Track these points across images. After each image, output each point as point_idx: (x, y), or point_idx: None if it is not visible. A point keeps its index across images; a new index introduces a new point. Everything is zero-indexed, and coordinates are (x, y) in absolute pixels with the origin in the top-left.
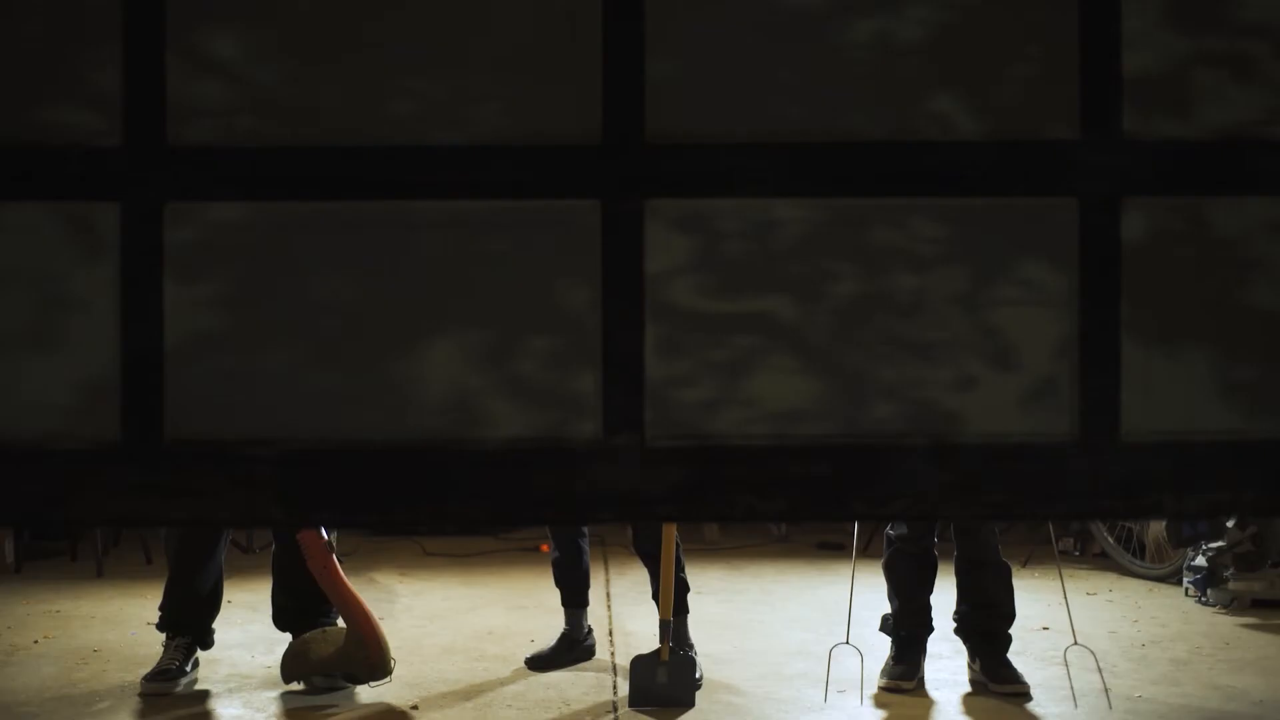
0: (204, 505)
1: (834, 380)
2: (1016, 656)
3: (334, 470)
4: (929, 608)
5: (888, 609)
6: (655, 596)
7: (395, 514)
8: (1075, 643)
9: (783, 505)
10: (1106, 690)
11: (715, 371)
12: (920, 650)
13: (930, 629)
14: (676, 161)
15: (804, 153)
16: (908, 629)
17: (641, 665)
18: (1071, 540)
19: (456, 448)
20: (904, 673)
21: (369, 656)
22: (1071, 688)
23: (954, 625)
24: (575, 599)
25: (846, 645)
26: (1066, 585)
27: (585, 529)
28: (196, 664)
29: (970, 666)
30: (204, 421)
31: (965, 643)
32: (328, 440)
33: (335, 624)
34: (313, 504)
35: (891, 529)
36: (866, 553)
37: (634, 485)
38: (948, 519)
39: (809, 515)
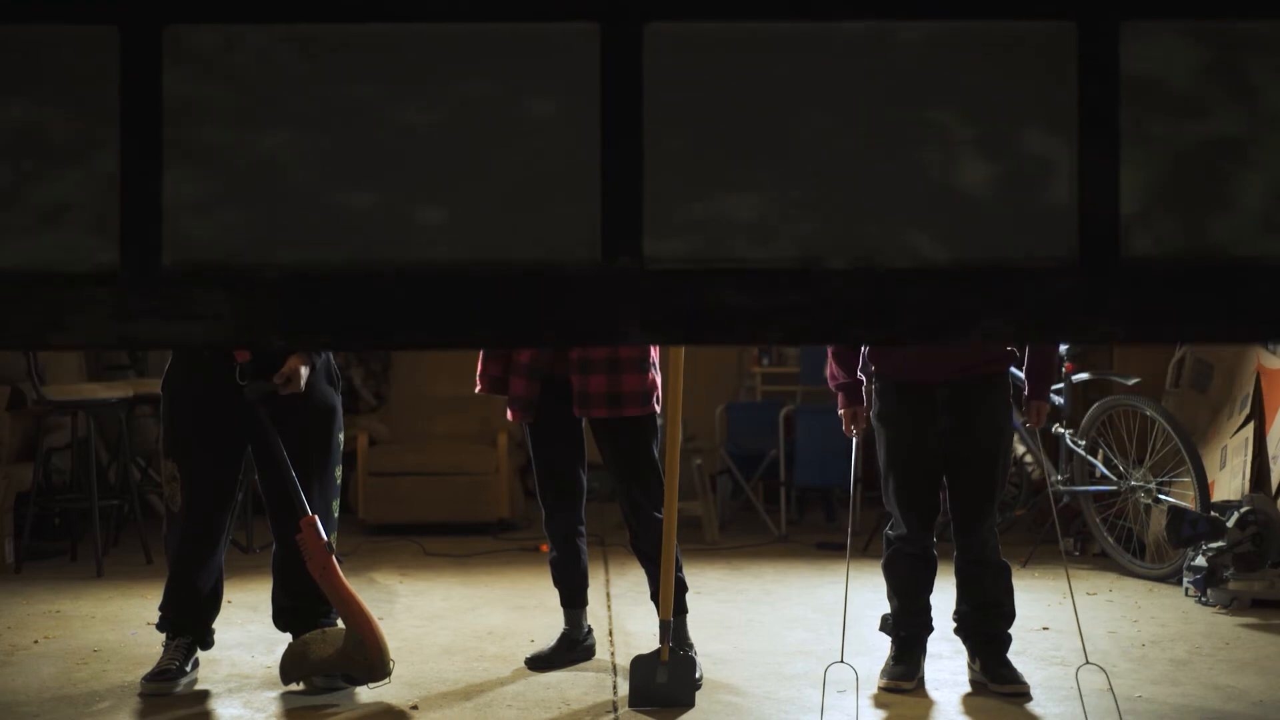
0: (203, 329)
1: (832, 204)
2: (1016, 656)
3: (333, 294)
4: (929, 608)
5: (887, 609)
6: (654, 597)
7: (394, 338)
8: (1087, 661)
9: (783, 332)
10: (1118, 707)
11: (714, 199)
12: (920, 650)
13: (930, 629)
14: None
15: None
16: (908, 629)
17: (641, 665)
18: (1071, 540)
19: (455, 272)
20: (904, 673)
21: (368, 657)
22: (1083, 706)
23: (954, 625)
24: (574, 599)
25: (841, 664)
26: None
27: (582, 528)
28: (196, 664)
29: (970, 666)
30: (203, 246)
31: (965, 643)
32: (327, 264)
33: (335, 625)
34: (311, 328)
35: (891, 529)
36: (866, 553)
37: (633, 310)
38: (946, 345)
39: (809, 340)
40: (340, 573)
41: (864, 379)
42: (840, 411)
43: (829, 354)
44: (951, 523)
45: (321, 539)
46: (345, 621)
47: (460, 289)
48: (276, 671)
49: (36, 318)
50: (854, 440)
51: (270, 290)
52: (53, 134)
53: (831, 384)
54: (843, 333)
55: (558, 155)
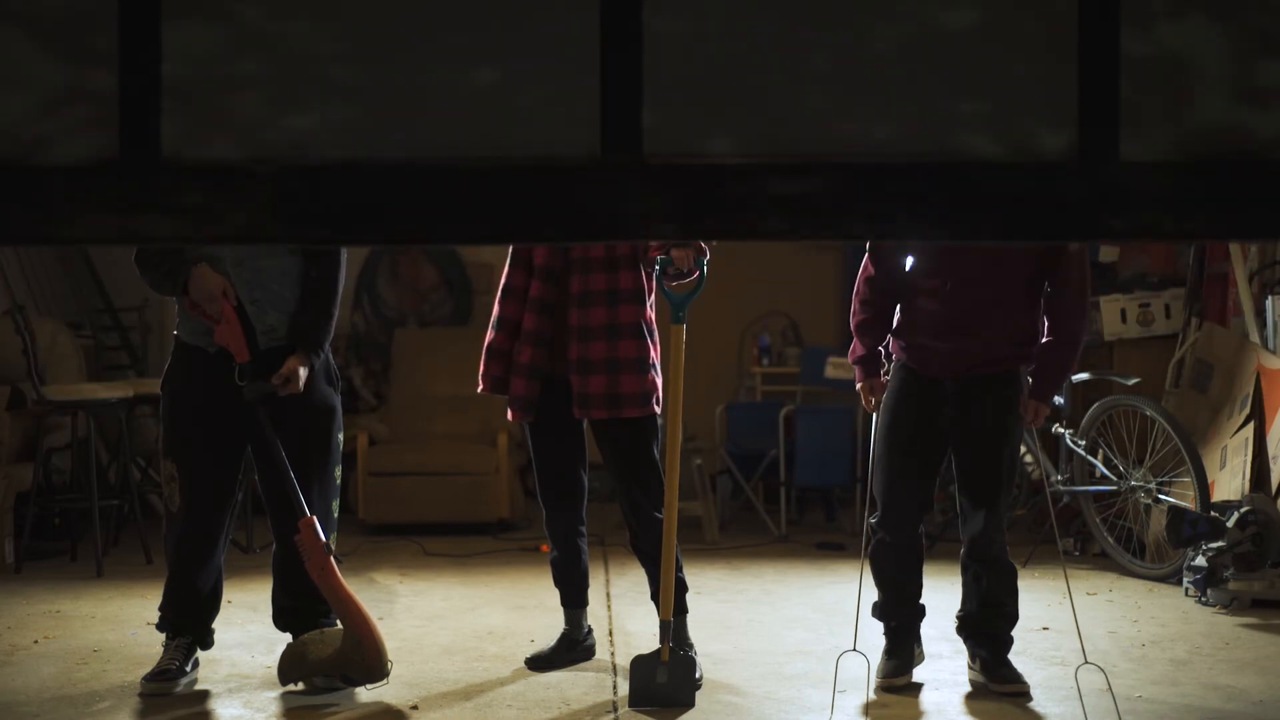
0: (202, 222)
1: (834, 96)
2: (1017, 656)
3: (332, 187)
4: (918, 595)
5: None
6: (654, 596)
7: (394, 231)
8: (1086, 661)
9: (782, 224)
10: (1117, 708)
11: (715, 89)
12: (913, 639)
13: (921, 614)
14: None
15: None
16: (898, 619)
17: (641, 665)
18: (1071, 540)
19: (456, 164)
20: (896, 668)
21: (366, 658)
22: (1083, 706)
23: (955, 625)
24: (574, 599)
25: (854, 652)
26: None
27: (582, 528)
28: (196, 664)
29: (970, 667)
30: (202, 139)
31: (966, 643)
32: (326, 157)
33: (335, 625)
34: (310, 221)
35: (873, 518)
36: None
37: (633, 204)
38: (946, 239)
39: (808, 235)
40: (339, 573)
41: (883, 351)
42: (858, 386)
43: (853, 328)
44: (958, 517)
45: (320, 539)
46: (343, 622)
47: (461, 182)
48: (276, 672)
49: (37, 212)
50: (873, 417)
51: (270, 182)
52: (50, 23)
53: (851, 358)
54: (842, 226)
55: (559, 47)
